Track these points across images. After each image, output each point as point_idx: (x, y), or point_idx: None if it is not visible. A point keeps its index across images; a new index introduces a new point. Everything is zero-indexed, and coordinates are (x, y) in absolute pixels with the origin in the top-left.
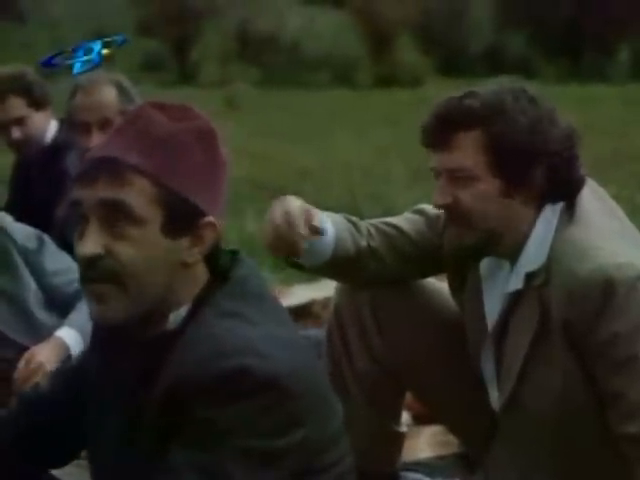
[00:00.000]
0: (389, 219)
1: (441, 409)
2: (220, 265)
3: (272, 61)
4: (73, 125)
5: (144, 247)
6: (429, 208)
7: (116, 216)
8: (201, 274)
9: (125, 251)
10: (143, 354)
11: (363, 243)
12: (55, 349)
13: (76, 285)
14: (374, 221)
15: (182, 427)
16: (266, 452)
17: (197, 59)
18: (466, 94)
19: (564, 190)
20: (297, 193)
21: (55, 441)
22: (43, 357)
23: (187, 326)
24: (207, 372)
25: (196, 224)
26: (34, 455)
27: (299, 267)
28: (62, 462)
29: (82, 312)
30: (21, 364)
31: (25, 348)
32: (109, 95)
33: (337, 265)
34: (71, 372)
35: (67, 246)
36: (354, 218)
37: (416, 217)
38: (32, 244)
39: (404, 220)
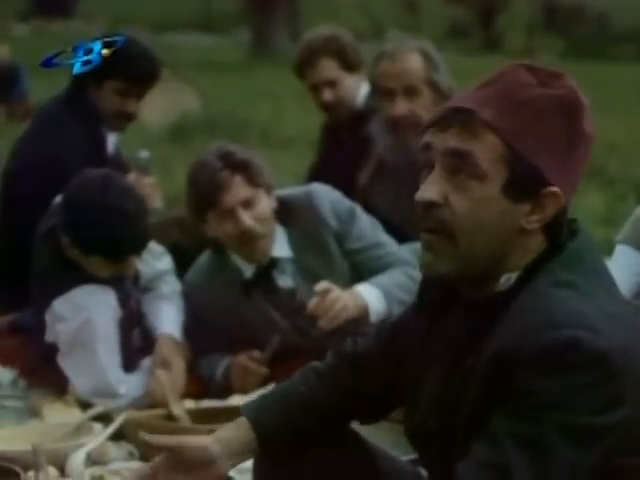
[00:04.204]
0: None
1: None
2: (559, 236)
3: (578, 32)
4: (377, 92)
5: (480, 203)
6: None
7: (460, 167)
8: (538, 242)
9: (461, 203)
10: (473, 316)
11: None
12: (353, 298)
13: (387, 260)
14: None
15: (506, 396)
16: (590, 429)
17: (503, 28)
18: None
19: None
20: (603, 167)
21: (370, 399)
22: (344, 301)
23: (520, 292)
24: (537, 342)
25: (539, 192)
26: (348, 410)
27: None
28: (373, 419)
29: (391, 276)
30: (318, 294)
31: (330, 331)
32: (414, 62)
33: None
34: (391, 333)
35: (369, 212)
36: None
37: None
38: (342, 225)
39: None
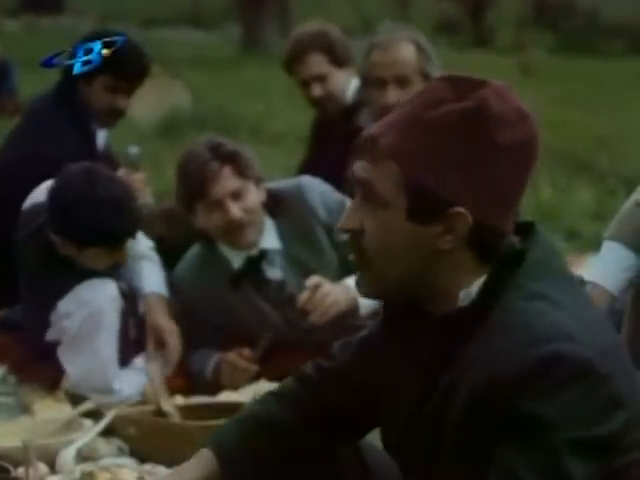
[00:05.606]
0: None
1: None
2: (500, 250)
3: (568, 27)
4: (368, 82)
5: (388, 229)
6: None
7: (366, 195)
8: (467, 259)
9: (372, 230)
10: (441, 332)
11: None
12: (344, 292)
13: None
14: None
15: (504, 423)
16: (598, 438)
17: (493, 23)
18: None
19: None
20: (592, 162)
21: (339, 421)
22: (334, 295)
23: (488, 307)
24: (522, 362)
25: (444, 213)
26: (313, 433)
27: None
28: (352, 440)
29: None
30: (308, 289)
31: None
32: (407, 52)
33: None
34: (359, 348)
35: None
36: None
37: None
38: (332, 217)
39: None
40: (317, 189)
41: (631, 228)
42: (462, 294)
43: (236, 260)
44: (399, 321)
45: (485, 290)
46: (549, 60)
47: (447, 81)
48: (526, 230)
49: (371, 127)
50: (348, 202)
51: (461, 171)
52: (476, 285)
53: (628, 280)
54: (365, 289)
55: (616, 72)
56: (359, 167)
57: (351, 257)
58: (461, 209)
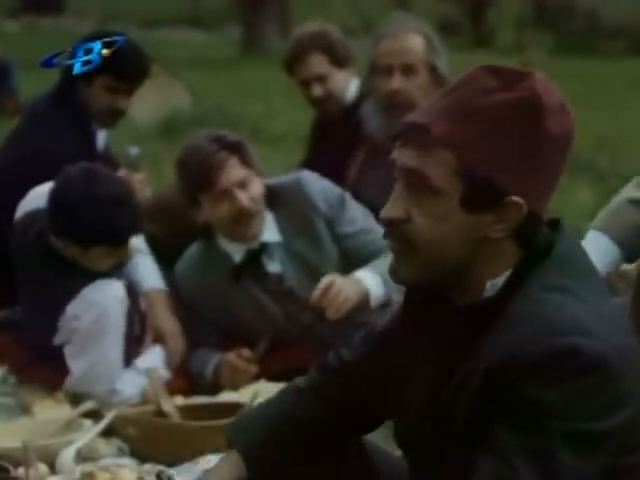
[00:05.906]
0: None
1: None
2: (538, 240)
3: (568, 28)
4: (374, 70)
5: (440, 218)
6: None
7: (415, 184)
8: (509, 248)
9: (421, 219)
10: (463, 321)
11: None
12: (355, 286)
13: (378, 245)
14: None
15: (506, 405)
16: (594, 434)
17: (493, 24)
18: None
19: None
20: (592, 162)
21: (357, 412)
22: (346, 291)
23: (510, 298)
24: (536, 351)
25: (499, 202)
26: (335, 425)
27: None
28: (366, 431)
29: (386, 261)
30: (321, 287)
31: (320, 317)
32: (415, 42)
33: None
34: (379, 341)
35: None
36: None
37: None
38: (333, 211)
39: None
40: (317, 183)
41: (621, 225)
42: (489, 284)
43: (236, 254)
44: (420, 310)
45: (511, 281)
46: (549, 61)
47: (488, 70)
48: (553, 226)
49: (412, 116)
50: (348, 196)
51: (515, 160)
52: (503, 276)
53: (607, 273)
54: (403, 277)
55: (616, 73)
56: (404, 156)
57: (391, 246)
58: (517, 198)
